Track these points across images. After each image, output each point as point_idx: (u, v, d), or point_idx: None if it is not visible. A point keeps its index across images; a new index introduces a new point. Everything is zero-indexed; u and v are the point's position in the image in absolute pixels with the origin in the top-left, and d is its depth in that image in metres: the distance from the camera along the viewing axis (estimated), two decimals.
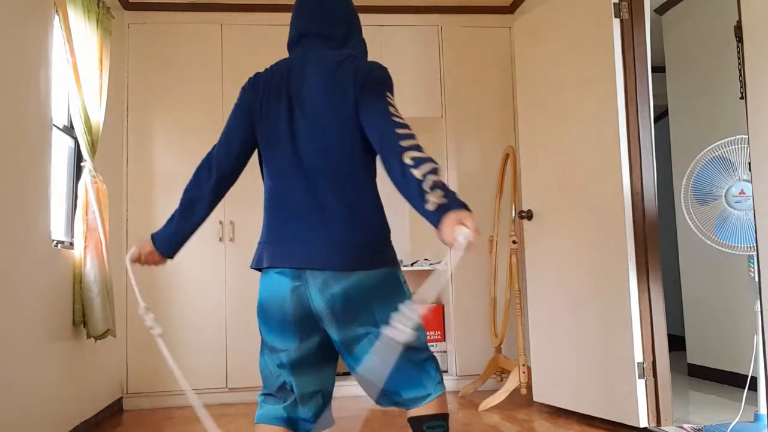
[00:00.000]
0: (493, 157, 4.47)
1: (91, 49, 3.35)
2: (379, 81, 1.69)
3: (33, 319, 2.76)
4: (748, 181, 2.91)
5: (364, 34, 1.89)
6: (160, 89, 4.26)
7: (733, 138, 2.95)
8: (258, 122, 1.74)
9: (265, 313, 1.70)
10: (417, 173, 1.49)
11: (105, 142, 3.72)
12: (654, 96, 3.45)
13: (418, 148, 1.55)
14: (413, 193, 1.50)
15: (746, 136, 2.71)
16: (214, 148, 1.80)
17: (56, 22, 3.13)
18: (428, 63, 4.50)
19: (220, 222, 4.19)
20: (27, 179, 2.73)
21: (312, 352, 1.69)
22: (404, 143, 1.55)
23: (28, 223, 2.74)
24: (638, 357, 3.04)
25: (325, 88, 1.68)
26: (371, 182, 1.71)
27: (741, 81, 2.32)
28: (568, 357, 3.43)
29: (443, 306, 4.51)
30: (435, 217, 1.46)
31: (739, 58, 2.34)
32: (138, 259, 1.79)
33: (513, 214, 4.01)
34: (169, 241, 1.78)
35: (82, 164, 3.33)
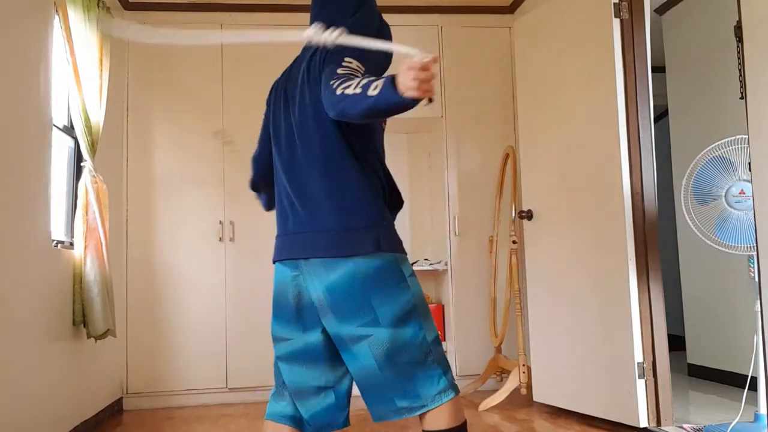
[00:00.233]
0: (493, 157, 4.48)
1: (91, 49, 3.35)
2: (338, 50, 1.58)
3: (33, 319, 2.76)
4: (748, 181, 2.91)
5: None
6: (160, 89, 4.26)
7: (733, 138, 2.95)
8: (270, 127, 1.81)
9: (275, 304, 1.74)
10: (348, 88, 1.41)
11: (105, 142, 3.72)
12: (654, 96, 3.45)
13: (348, 77, 1.46)
14: (356, 100, 1.39)
15: (746, 136, 2.71)
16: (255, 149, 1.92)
17: (56, 22, 3.13)
18: None
19: (220, 222, 4.18)
20: (27, 179, 2.73)
21: (315, 346, 1.66)
22: (334, 84, 1.47)
23: (28, 223, 2.74)
24: (638, 357, 3.04)
25: (306, 80, 1.69)
26: (359, 166, 1.64)
27: (741, 81, 2.32)
28: (568, 357, 3.43)
29: (443, 306, 4.51)
30: (387, 90, 1.35)
31: (739, 58, 2.34)
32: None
33: (513, 214, 4.01)
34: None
35: (82, 164, 3.33)
